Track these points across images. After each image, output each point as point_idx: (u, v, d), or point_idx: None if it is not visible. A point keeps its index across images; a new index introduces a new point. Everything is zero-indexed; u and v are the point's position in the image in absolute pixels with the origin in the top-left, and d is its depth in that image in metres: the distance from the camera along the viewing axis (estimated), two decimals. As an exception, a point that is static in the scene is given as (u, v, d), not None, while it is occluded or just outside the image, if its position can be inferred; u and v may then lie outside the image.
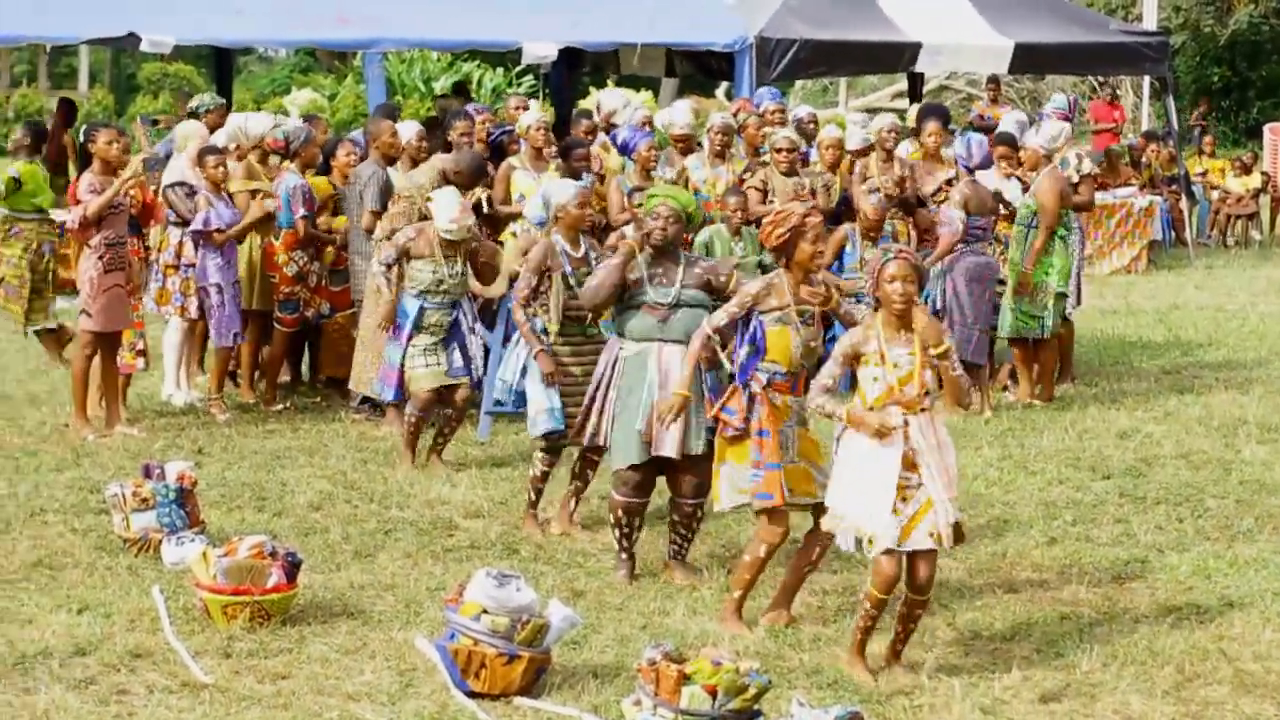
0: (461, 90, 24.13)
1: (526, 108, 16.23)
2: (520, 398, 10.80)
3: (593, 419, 9.80)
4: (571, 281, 10.50)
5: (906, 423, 8.01)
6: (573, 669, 8.18)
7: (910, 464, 7.99)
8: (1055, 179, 14.71)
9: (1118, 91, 29.62)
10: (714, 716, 7.15)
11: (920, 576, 8.07)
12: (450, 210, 12.10)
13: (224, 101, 17.59)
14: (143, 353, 13.55)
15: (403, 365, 12.16)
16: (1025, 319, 14.68)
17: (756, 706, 7.26)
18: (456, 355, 12.22)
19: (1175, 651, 8.52)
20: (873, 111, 26.98)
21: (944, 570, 9.20)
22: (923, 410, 8.04)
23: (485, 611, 7.92)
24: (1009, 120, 16.54)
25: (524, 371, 10.72)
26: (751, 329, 8.80)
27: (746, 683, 7.22)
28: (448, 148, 14.33)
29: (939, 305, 14.37)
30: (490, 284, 12.46)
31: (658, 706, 7.20)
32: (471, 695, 7.78)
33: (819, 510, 8.57)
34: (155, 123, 22.26)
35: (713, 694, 7.17)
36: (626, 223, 13.54)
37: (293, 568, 8.93)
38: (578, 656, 8.37)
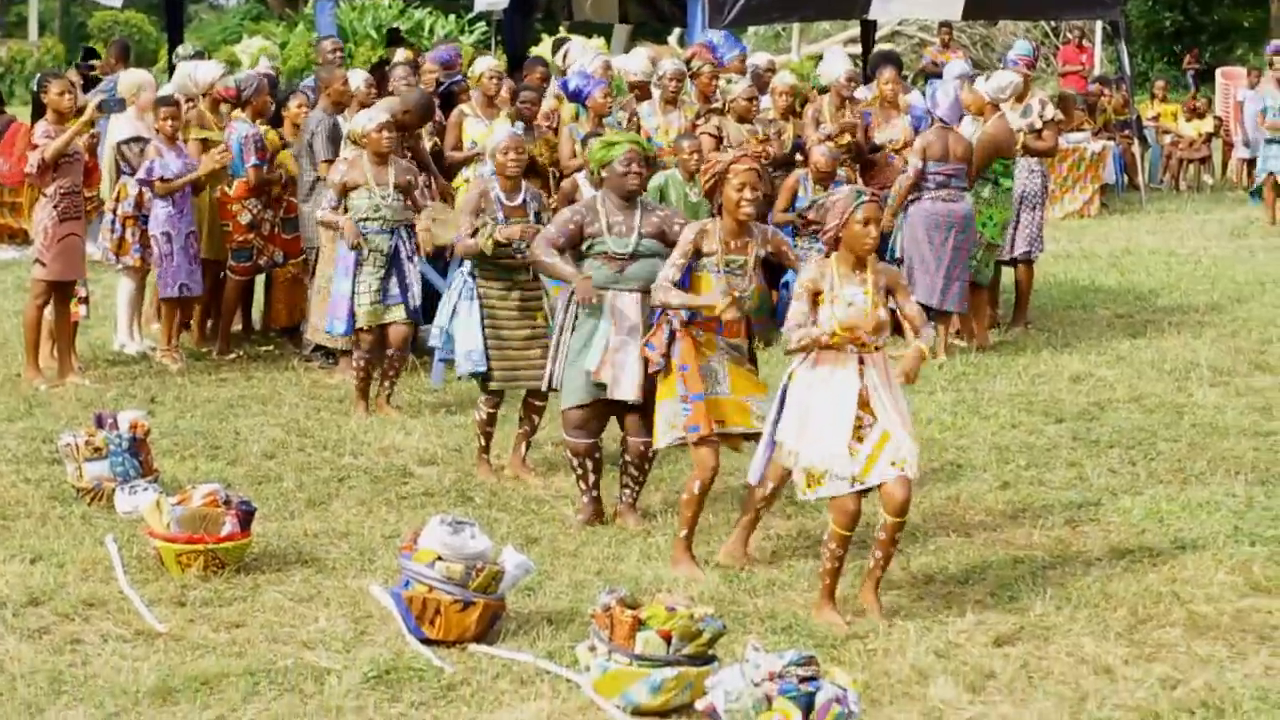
0: (396, 39, 23.96)
1: (448, 56, 16.24)
2: (451, 340, 10.77)
3: (549, 364, 9.80)
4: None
5: (861, 360, 8.02)
6: (527, 615, 8.18)
7: (863, 403, 8.02)
8: (1000, 128, 14.71)
9: (1085, 35, 29.55)
10: (668, 661, 7.15)
11: (897, 498, 8.02)
12: (371, 111, 12.46)
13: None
14: (85, 300, 13.47)
15: (353, 299, 12.11)
16: None
17: (711, 651, 7.26)
18: (393, 282, 12.18)
19: (1128, 594, 8.56)
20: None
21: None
22: (876, 349, 8.06)
23: (440, 558, 7.91)
24: (955, 68, 16.36)
25: (453, 313, 10.70)
26: None
27: (701, 628, 7.22)
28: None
29: (898, 254, 14.36)
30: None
31: (612, 652, 7.20)
32: (426, 642, 7.78)
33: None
34: (91, 68, 22.09)
35: (667, 639, 7.17)
36: (578, 169, 13.51)
37: (247, 516, 8.92)
38: (532, 603, 8.38)
